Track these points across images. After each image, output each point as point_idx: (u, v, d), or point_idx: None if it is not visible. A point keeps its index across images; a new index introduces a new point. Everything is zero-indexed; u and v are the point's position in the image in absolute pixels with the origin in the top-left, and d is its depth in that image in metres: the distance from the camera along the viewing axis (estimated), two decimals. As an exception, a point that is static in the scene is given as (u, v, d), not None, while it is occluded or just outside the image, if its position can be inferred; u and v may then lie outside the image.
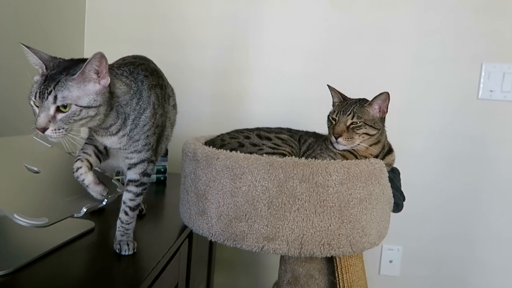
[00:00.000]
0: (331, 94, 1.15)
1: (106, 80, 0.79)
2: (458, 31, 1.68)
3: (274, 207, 0.92)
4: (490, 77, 1.67)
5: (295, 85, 1.78)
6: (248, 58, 1.80)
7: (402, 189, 1.12)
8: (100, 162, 0.97)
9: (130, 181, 0.92)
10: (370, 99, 1.07)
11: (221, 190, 0.95)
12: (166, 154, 1.60)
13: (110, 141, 0.88)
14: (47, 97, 0.74)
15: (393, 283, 1.81)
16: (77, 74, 0.75)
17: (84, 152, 0.94)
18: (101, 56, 0.76)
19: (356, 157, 1.07)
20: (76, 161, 0.92)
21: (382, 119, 1.09)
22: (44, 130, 0.75)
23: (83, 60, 0.79)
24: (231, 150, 0.98)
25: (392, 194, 1.05)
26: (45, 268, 0.80)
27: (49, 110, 0.74)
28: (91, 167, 0.92)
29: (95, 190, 0.91)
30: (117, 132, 0.86)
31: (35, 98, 0.75)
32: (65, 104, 0.75)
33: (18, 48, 0.81)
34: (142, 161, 0.92)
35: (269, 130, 1.18)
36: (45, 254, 0.84)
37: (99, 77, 0.78)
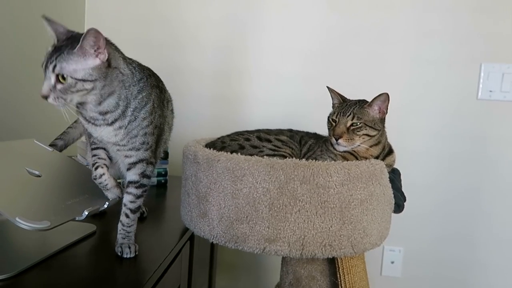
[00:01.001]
0: (331, 95, 1.16)
1: (104, 56, 0.81)
2: (457, 32, 1.69)
3: (275, 208, 0.92)
4: (490, 77, 1.68)
5: (295, 86, 1.79)
6: (248, 60, 1.81)
7: (403, 189, 1.12)
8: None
9: (130, 182, 0.93)
10: (369, 100, 1.08)
11: (222, 192, 0.95)
12: (166, 157, 1.60)
13: (106, 132, 0.88)
14: (49, 67, 0.78)
15: (395, 284, 1.81)
16: (76, 48, 0.78)
17: (99, 158, 0.95)
18: (95, 31, 0.78)
19: (357, 158, 1.07)
20: (97, 168, 0.94)
21: (382, 120, 1.09)
22: (46, 97, 0.79)
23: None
24: (231, 152, 0.98)
25: (393, 195, 1.05)
26: (47, 271, 0.80)
27: (50, 79, 0.78)
28: (108, 170, 0.96)
29: (115, 192, 0.97)
30: (113, 123, 0.87)
31: (42, 67, 0.80)
32: (63, 75, 0.78)
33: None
34: (141, 160, 0.92)
35: (269, 132, 1.18)
36: (47, 258, 0.84)
37: (98, 52, 0.80)
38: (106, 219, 1.12)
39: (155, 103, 0.92)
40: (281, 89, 1.80)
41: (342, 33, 1.75)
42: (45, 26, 0.83)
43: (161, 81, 1.03)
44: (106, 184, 0.95)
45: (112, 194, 0.97)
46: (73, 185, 0.92)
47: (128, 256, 0.88)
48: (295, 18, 1.77)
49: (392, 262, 1.80)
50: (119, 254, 0.89)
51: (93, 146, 0.96)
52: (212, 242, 0.99)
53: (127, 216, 0.92)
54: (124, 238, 0.91)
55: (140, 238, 0.97)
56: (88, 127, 0.89)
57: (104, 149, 0.96)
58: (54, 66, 0.78)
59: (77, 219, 0.87)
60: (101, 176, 0.94)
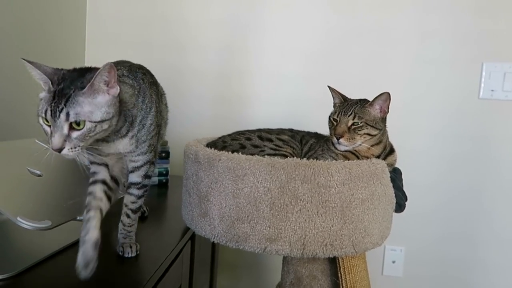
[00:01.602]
0: (332, 95, 1.15)
1: (116, 90, 0.76)
2: (458, 31, 1.68)
3: (276, 208, 0.92)
4: (491, 76, 1.67)
5: (296, 86, 1.79)
6: (249, 60, 1.81)
7: (404, 189, 1.12)
8: (111, 201, 0.88)
9: (132, 184, 0.92)
10: (371, 99, 1.08)
11: (223, 192, 0.95)
12: (167, 156, 1.60)
13: (122, 145, 0.84)
14: (59, 115, 0.70)
15: (396, 283, 1.81)
16: (86, 88, 0.72)
17: (95, 198, 0.84)
18: (110, 67, 0.73)
19: (358, 158, 1.07)
20: (89, 211, 0.81)
21: (383, 119, 1.09)
22: (60, 150, 0.71)
23: (88, 70, 0.77)
24: (232, 152, 0.98)
25: (394, 194, 1.05)
26: (48, 270, 0.80)
27: (63, 129, 0.71)
28: (101, 216, 0.83)
29: (86, 253, 0.75)
30: (127, 133, 0.83)
31: (45, 116, 0.71)
32: (78, 121, 0.71)
33: (19, 52, 0.81)
34: (146, 163, 0.91)
35: (270, 131, 1.18)
36: (48, 257, 0.84)
37: (108, 87, 0.75)
38: (106, 219, 1.12)
39: (156, 103, 0.92)
40: (282, 89, 1.80)
41: (343, 33, 1.75)
42: (29, 70, 0.74)
43: (153, 75, 1.00)
44: (86, 234, 0.77)
45: (81, 253, 0.75)
46: (74, 184, 0.92)
47: (130, 255, 0.89)
48: (296, 18, 1.77)
49: (394, 262, 1.80)
50: (120, 253, 0.89)
51: (92, 169, 0.87)
52: (213, 241, 0.99)
53: (128, 216, 0.92)
54: (125, 238, 0.92)
55: (141, 238, 0.97)
56: (98, 145, 0.81)
57: (104, 181, 0.86)
58: (67, 114, 0.70)
59: (78, 218, 0.87)
60: (88, 220, 0.79)
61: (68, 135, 0.71)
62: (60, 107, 0.70)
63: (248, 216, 0.93)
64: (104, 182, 0.86)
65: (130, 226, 0.93)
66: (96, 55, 1.86)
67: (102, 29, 1.86)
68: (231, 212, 0.95)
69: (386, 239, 1.05)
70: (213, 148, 1.02)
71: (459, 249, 1.76)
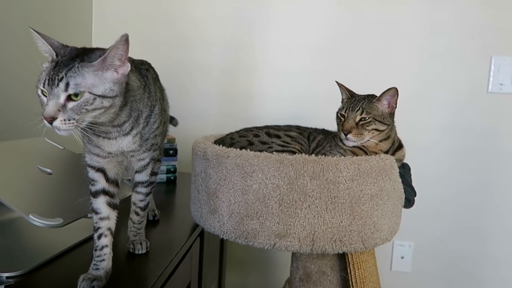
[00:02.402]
0: (340, 90, 1.15)
1: (126, 68, 0.71)
2: (466, 25, 1.67)
3: (285, 204, 0.92)
4: (500, 70, 1.66)
5: (302, 82, 1.78)
6: (255, 57, 1.80)
7: (413, 184, 1.12)
8: (117, 208, 0.85)
9: (139, 183, 0.91)
10: (378, 95, 1.07)
11: (232, 188, 0.96)
12: (175, 153, 1.61)
13: (125, 143, 0.79)
14: (58, 84, 0.66)
15: (405, 279, 1.81)
16: (98, 61, 0.68)
17: (102, 219, 0.81)
18: (126, 40, 0.68)
19: (366, 153, 1.07)
20: (100, 236, 0.80)
21: (391, 115, 1.08)
22: (52, 120, 0.66)
23: (97, 49, 0.73)
24: (241, 149, 0.99)
25: (403, 190, 1.04)
26: (60, 268, 0.81)
27: (59, 98, 0.66)
28: (111, 238, 0.82)
29: (98, 280, 0.75)
30: (131, 130, 0.79)
31: (43, 86, 0.67)
32: (77, 92, 0.66)
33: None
34: (152, 160, 0.89)
35: (278, 128, 1.18)
36: (60, 254, 0.85)
37: (120, 63, 0.70)
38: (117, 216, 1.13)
39: (160, 100, 0.90)
40: (289, 85, 1.79)
41: (349, 28, 1.74)
42: (36, 40, 0.71)
43: (155, 70, 0.97)
44: (103, 260, 0.78)
45: (98, 272, 0.76)
46: (84, 182, 0.93)
47: (140, 252, 0.89)
48: (302, 13, 1.76)
49: (402, 257, 1.80)
50: (131, 250, 0.90)
51: (92, 183, 0.82)
52: (222, 238, 1.00)
53: (137, 214, 0.93)
54: (135, 236, 0.92)
55: (151, 235, 0.98)
56: (99, 141, 0.78)
57: (107, 191, 0.82)
58: (66, 84, 0.66)
59: (89, 216, 0.87)
60: (102, 248, 0.79)
61: (64, 105, 0.66)
62: (60, 76, 0.66)
63: (257, 213, 0.93)
64: (104, 192, 0.82)
65: (140, 223, 0.93)
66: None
67: (108, 28, 1.87)
68: (240, 209, 0.95)
69: (395, 234, 1.04)
70: (221, 145, 1.03)
71: (468, 244, 1.75)
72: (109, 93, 0.69)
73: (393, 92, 1.05)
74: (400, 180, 1.02)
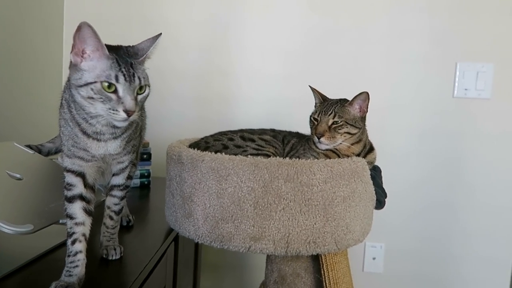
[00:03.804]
0: (313, 95, 1.17)
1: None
2: (433, 32, 1.73)
3: (260, 207, 0.93)
4: (465, 75, 1.73)
5: (277, 86, 1.80)
6: (230, 61, 1.81)
7: (384, 186, 1.15)
8: (91, 215, 0.84)
9: (114, 186, 0.91)
10: (350, 99, 1.10)
11: (207, 192, 0.96)
12: (149, 158, 1.59)
13: (114, 146, 0.81)
14: (134, 80, 0.74)
15: (377, 280, 1.85)
16: (144, 56, 0.81)
17: (77, 224, 0.80)
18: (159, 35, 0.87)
19: (339, 156, 1.09)
20: (74, 242, 0.78)
21: (363, 118, 1.11)
22: (132, 113, 0.73)
23: (131, 47, 0.85)
24: (215, 152, 0.99)
25: (374, 192, 1.07)
26: (31, 275, 0.79)
27: (134, 93, 0.74)
28: (86, 244, 0.81)
29: (76, 277, 0.76)
30: (122, 134, 0.82)
31: (116, 81, 0.72)
32: (144, 85, 0.77)
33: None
34: (130, 163, 0.90)
35: (252, 131, 1.19)
36: (31, 262, 0.83)
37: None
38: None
39: None
40: (264, 88, 1.81)
41: (322, 34, 1.77)
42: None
43: None
44: (76, 267, 0.76)
45: (71, 278, 0.75)
46: (56, 187, 0.91)
47: (114, 258, 0.88)
48: (277, 18, 1.78)
49: (374, 258, 1.84)
50: (104, 256, 0.88)
51: (69, 187, 0.81)
52: (197, 242, 0.99)
53: (111, 218, 0.92)
54: (109, 241, 0.91)
55: (125, 240, 0.97)
56: (88, 143, 0.79)
57: (83, 197, 0.82)
58: (139, 78, 0.75)
59: (60, 221, 0.86)
60: (76, 254, 0.78)
61: (135, 99, 0.74)
62: (132, 72, 0.74)
63: (232, 216, 0.94)
64: (81, 197, 0.81)
65: (114, 228, 0.92)
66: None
67: (79, 30, 1.83)
68: (215, 212, 0.95)
69: (367, 235, 1.07)
70: (196, 149, 1.03)
71: (439, 244, 1.81)
72: (148, 82, 0.79)
73: (365, 96, 1.08)
74: (371, 182, 1.05)
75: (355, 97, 1.08)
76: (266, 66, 1.80)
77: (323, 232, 0.95)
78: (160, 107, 1.81)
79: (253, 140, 1.12)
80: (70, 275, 0.75)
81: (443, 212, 1.80)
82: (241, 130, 1.20)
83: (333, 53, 1.77)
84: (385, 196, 1.13)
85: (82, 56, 0.75)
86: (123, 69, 0.73)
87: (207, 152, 0.99)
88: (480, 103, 1.74)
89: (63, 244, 0.93)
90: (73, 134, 0.78)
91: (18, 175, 0.90)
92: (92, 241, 0.98)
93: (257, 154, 1.04)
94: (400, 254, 1.83)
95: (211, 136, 1.19)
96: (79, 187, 0.81)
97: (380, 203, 1.10)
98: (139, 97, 0.76)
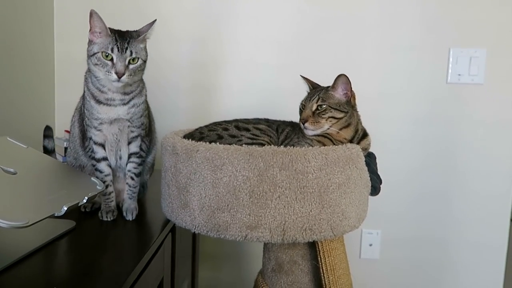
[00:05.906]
0: (305, 83, 1.18)
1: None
2: (426, 18, 1.73)
3: (256, 196, 0.93)
4: (458, 61, 1.73)
5: (270, 76, 1.80)
6: (223, 51, 1.80)
7: (379, 173, 1.15)
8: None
9: (132, 154, 1.13)
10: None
11: (202, 182, 0.96)
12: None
13: (122, 111, 1.06)
14: (125, 51, 0.99)
15: (374, 266, 1.86)
16: (141, 36, 1.03)
17: (106, 175, 1.12)
18: (153, 22, 1.08)
19: (333, 143, 1.09)
20: (107, 186, 1.11)
21: (348, 102, 1.11)
22: (122, 75, 0.98)
23: (134, 31, 1.06)
24: (210, 143, 0.99)
25: (369, 178, 1.08)
26: (28, 269, 0.79)
27: (125, 61, 0.99)
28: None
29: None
30: (129, 101, 1.06)
31: (111, 52, 0.98)
32: (136, 58, 1.01)
33: None
34: (139, 135, 1.12)
35: (247, 121, 1.19)
36: (27, 256, 0.83)
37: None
38: (85, 215, 1.11)
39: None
40: (257, 78, 1.80)
41: (314, 23, 1.76)
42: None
43: None
44: (112, 201, 1.11)
45: (111, 207, 1.10)
46: (50, 181, 0.91)
47: (130, 219, 1.09)
48: (269, 7, 1.77)
49: (370, 245, 1.85)
50: (124, 215, 1.10)
51: (97, 156, 1.11)
52: (194, 232, 1.00)
53: (132, 178, 1.14)
54: (130, 199, 1.13)
55: (121, 233, 0.97)
56: (100, 109, 1.04)
57: (103, 147, 1.10)
58: (131, 52, 1.00)
59: (56, 215, 0.86)
60: (110, 193, 1.11)
61: (127, 66, 0.99)
62: (125, 46, 0.99)
63: (228, 205, 0.94)
64: (105, 158, 1.11)
65: (135, 187, 1.14)
66: (66, 50, 1.82)
67: (71, 24, 1.81)
68: (211, 202, 0.95)
69: (363, 221, 1.08)
70: (190, 140, 1.02)
71: (435, 230, 1.82)
72: (145, 58, 1.06)
73: (344, 79, 1.08)
74: (366, 168, 1.06)
75: (335, 81, 1.09)
76: (259, 56, 1.79)
77: (319, 219, 0.95)
78: (154, 99, 1.79)
79: (247, 130, 1.12)
80: (109, 206, 1.10)
81: (438, 199, 1.81)
82: (236, 120, 1.20)
83: (326, 42, 1.76)
84: (380, 182, 1.14)
85: (94, 35, 1.02)
86: (118, 44, 0.99)
87: (201, 142, 0.99)
88: (474, 88, 1.75)
89: (59, 237, 0.94)
90: (90, 106, 1.05)
91: (12, 170, 0.90)
92: (87, 233, 0.99)
93: (252, 143, 1.04)
94: (396, 240, 1.84)
95: (206, 126, 1.19)
96: (101, 153, 1.11)
97: (375, 189, 1.11)
98: (131, 66, 1.01)
